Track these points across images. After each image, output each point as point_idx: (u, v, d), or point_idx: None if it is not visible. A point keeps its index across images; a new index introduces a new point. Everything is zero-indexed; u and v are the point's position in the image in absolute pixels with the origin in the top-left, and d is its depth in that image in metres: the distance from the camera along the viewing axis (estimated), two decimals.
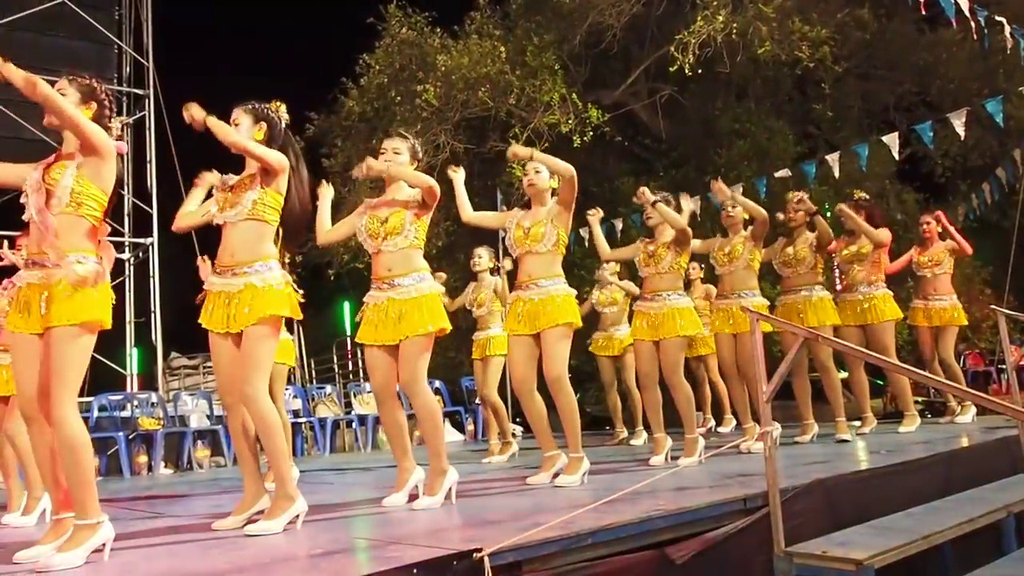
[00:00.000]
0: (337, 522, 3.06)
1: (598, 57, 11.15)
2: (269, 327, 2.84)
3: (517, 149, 3.93)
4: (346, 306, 12.83)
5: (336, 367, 11.79)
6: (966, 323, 6.26)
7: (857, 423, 5.60)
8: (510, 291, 4.32)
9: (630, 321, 6.35)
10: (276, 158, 2.92)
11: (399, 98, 10.79)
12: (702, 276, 6.93)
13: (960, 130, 8.01)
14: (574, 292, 3.90)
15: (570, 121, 9.94)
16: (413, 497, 3.29)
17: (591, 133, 10.09)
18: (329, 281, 11.85)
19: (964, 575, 2.85)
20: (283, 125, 3.09)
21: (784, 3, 9.61)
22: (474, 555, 2.10)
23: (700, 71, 9.51)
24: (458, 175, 4.06)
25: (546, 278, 3.82)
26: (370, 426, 8.46)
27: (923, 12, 8.13)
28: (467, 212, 4.08)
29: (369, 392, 8.78)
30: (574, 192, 3.80)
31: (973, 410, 6.01)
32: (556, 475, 3.79)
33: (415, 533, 2.66)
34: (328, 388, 9.12)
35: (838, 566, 2.54)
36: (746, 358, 4.83)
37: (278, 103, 3.11)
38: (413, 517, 3.03)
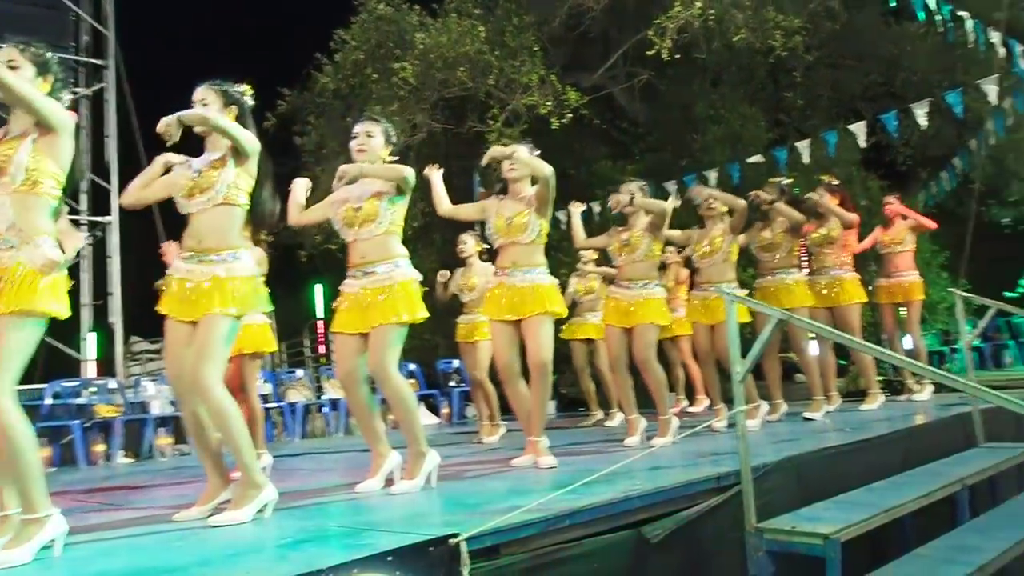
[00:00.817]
0: (308, 510, 2.99)
1: (577, 40, 11.17)
2: (228, 320, 2.72)
3: (495, 151, 3.92)
4: (318, 289, 12.71)
5: (308, 351, 11.68)
6: (925, 297, 6.54)
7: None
8: None
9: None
10: (252, 139, 2.84)
11: (375, 76, 10.68)
12: (679, 260, 7.05)
13: (922, 120, 8.28)
14: (556, 282, 3.96)
15: (548, 103, 9.97)
16: (390, 482, 3.25)
17: (570, 115, 10.14)
18: (301, 263, 11.72)
19: (922, 545, 3.03)
20: (249, 108, 3.02)
21: None
22: (450, 540, 2.08)
23: (678, 56, 9.61)
24: (435, 175, 4.08)
25: (530, 266, 3.87)
26: (342, 411, 8.35)
27: (890, 5, 8.33)
28: (443, 206, 4.09)
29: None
30: (551, 192, 3.84)
31: (930, 388, 6.29)
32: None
33: (390, 519, 2.62)
34: (298, 372, 9.01)
35: (807, 540, 2.66)
36: (723, 345, 4.97)
37: (244, 85, 3.03)
38: (389, 503, 2.99)
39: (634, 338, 4.50)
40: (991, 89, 7.99)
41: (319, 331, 11.81)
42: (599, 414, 6.78)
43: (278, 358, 10.81)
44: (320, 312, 12.29)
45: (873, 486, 3.42)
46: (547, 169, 3.78)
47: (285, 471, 4.54)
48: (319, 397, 8.77)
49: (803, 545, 2.68)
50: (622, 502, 2.64)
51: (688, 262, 6.13)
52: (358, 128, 3.46)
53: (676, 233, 5.21)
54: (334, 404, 8.48)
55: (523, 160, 3.86)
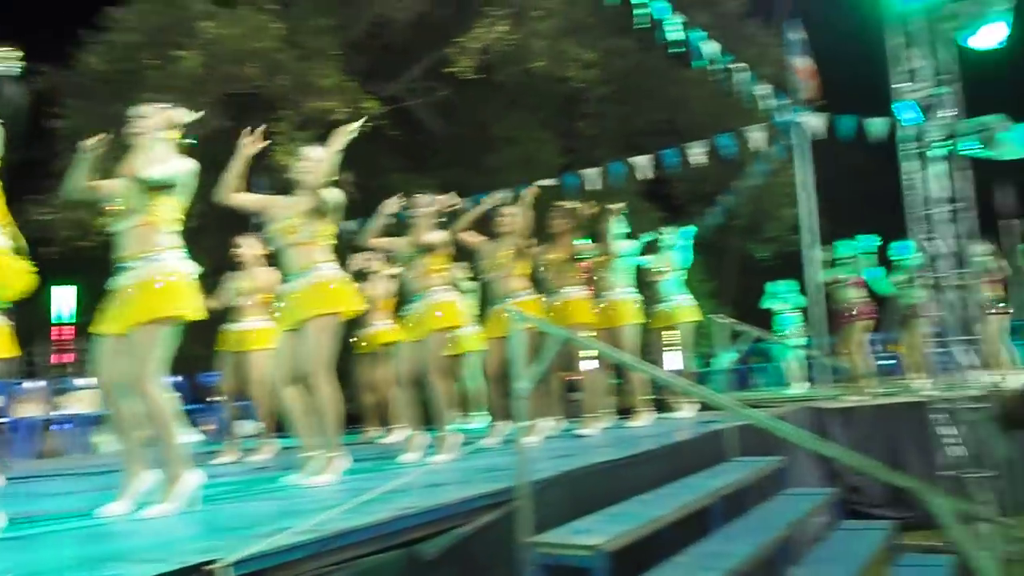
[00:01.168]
0: (39, 540, 2.68)
1: (380, 49, 11.02)
2: None
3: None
4: (57, 291, 11.23)
5: (44, 360, 10.40)
6: (700, 319, 7.07)
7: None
8: None
9: (392, 319, 6.35)
10: None
11: (158, 61, 9.76)
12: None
13: (698, 159, 9.12)
14: (344, 276, 3.79)
15: (345, 109, 9.69)
16: (143, 506, 2.98)
17: (370, 124, 9.92)
18: (41, 261, 10.32)
19: (679, 552, 3.20)
20: (7, 74, 2.68)
21: (559, 24, 10.21)
22: (207, 566, 1.92)
23: (482, 76, 9.80)
24: (250, 147, 3.73)
25: (307, 267, 3.70)
26: (83, 428, 7.59)
27: (673, 51, 9.10)
28: (228, 192, 3.75)
29: (80, 389, 7.89)
30: (330, 206, 3.75)
31: (698, 406, 6.79)
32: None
33: (140, 547, 2.41)
34: (32, 384, 8.08)
35: (576, 552, 2.72)
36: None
37: (7, 47, 2.70)
38: (140, 528, 2.74)
39: (425, 351, 4.45)
40: (756, 136, 8.99)
41: (58, 338, 10.49)
42: (377, 431, 6.54)
43: (8, 367, 9.44)
44: (63, 317, 10.91)
45: (639, 498, 3.57)
46: (334, 198, 3.69)
47: (12, 496, 3.94)
48: (55, 412, 7.78)
49: (573, 557, 2.73)
50: (397, 520, 2.55)
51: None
52: (132, 112, 3.15)
53: (473, 239, 5.21)
54: (73, 420, 7.59)
55: (322, 172, 3.68)
